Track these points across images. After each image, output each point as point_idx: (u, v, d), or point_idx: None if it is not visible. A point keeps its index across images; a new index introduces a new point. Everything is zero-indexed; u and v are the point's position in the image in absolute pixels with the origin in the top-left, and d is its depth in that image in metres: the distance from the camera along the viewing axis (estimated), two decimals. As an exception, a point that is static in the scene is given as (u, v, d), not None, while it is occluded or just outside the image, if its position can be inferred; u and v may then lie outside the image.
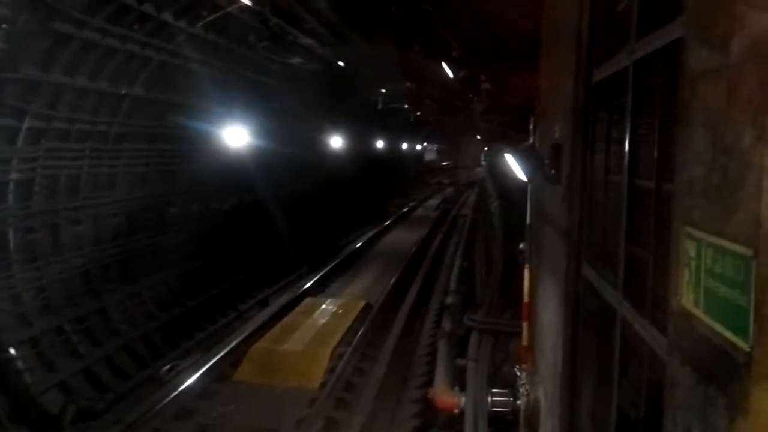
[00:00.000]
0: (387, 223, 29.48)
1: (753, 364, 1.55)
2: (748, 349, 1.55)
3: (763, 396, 1.55)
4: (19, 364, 8.65)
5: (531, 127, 7.30)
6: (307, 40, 12.88)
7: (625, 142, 3.12)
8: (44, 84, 8.62)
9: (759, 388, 1.56)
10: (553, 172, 4.96)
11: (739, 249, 1.60)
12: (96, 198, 10.60)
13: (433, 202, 41.87)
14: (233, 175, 14.96)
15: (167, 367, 10.57)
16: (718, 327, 1.73)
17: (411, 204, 38.52)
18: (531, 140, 7.13)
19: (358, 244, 23.18)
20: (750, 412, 1.56)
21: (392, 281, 16.68)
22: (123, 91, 10.14)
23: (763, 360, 1.54)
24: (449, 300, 13.27)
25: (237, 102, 13.43)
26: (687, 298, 1.95)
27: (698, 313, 1.87)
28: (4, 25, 7.28)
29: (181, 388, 9.66)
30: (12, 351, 8.62)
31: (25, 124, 8.66)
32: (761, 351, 1.54)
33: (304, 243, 18.28)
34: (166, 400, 9.22)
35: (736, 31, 1.65)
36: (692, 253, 1.91)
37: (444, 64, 13.19)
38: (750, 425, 1.56)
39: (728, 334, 1.66)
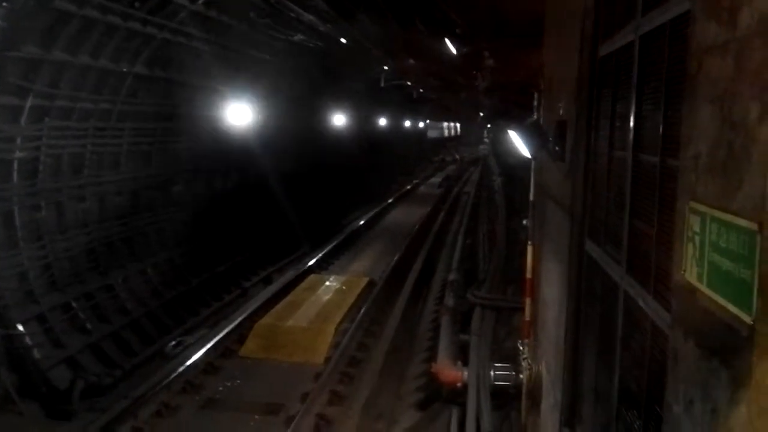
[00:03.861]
0: (390, 200, 29.50)
1: (756, 337, 1.57)
2: (752, 323, 1.57)
3: (766, 369, 1.57)
4: (28, 341, 8.76)
5: (535, 103, 7.26)
6: (309, 17, 12.75)
7: (630, 117, 3.12)
8: (46, 62, 8.58)
9: (762, 361, 1.57)
10: (557, 148, 4.95)
11: (745, 223, 1.61)
12: (100, 176, 10.62)
13: (436, 179, 41.83)
14: (236, 153, 14.94)
15: (173, 342, 10.69)
16: (722, 301, 1.74)
17: (414, 181, 38.49)
18: (535, 117, 7.10)
19: (361, 222, 23.23)
20: (752, 384, 1.58)
21: (395, 258, 16.75)
22: (125, 69, 10.10)
23: (767, 333, 1.56)
24: (452, 276, 13.34)
25: (240, 80, 13.36)
26: (691, 272, 1.97)
27: (702, 287, 1.88)
28: (4, 3, 7.23)
29: (188, 363, 9.78)
30: (20, 327, 8.72)
31: (28, 103, 8.65)
32: (764, 324, 1.56)
33: (308, 221, 18.32)
34: (173, 375, 9.34)
35: (744, 5, 1.64)
36: (697, 228, 1.92)
37: (447, 41, 13.08)
38: (752, 398, 1.59)
39: (732, 308, 1.68)
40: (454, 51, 13.77)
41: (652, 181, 2.73)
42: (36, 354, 8.79)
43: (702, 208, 1.88)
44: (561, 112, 5.05)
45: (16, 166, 8.87)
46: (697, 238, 1.92)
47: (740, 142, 1.66)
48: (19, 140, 8.80)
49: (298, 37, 14.15)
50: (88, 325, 9.95)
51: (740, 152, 1.66)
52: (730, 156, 1.71)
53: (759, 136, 1.56)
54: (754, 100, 1.59)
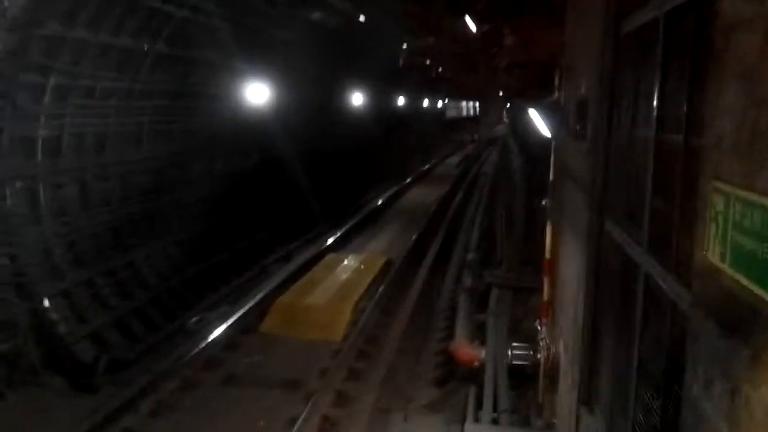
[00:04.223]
0: (408, 180, 29.45)
1: (778, 317, 1.57)
2: (774, 303, 1.57)
3: (787, 348, 1.57)
4: (53, 316, 8.96)
5: (556, 82, 7.17)
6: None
7: (653, 96, 3.07)
8: (68, 40, 8.64)
9: (783, 341, 1.57)
10: (578, 127, 4.90)
11: (769, 203, 1.60)
12: (123, 155, 10.74)
13: (454, 159, 41.66)
14: (255, 132, 14.99)
15: (195, 318, 10.85)
16: (744, 280, 1.74)
17: (432, 161, 38.36)
18: (556, 96, 7.01)
19: (380, 202, 23.25)
20: (773, 364, 1.58)
21: (413, 238, 16.77)
22: (146, 48, 10.13)
23: (789, 313, 1.56)
24: (470, 256, 13.36)
25: (258, 58, 13.36)
26: (713, 252, 1.96)
27: (724, 267, 1.87)
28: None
29: (209, 339, 9.94)
30: (46, 303, 8.92)
31: (52, 82, 8.73)
32: (787, 304, 1.55)
33: (326, 200, 18.39)
34: (195, 350, 9.51)
35: (773, -21, 1.61)
36: (720, 207, 1.91)
37: (467, 18, 12.91)
38: (773, 377, 1.59)
39: (754, 288, 1.67)
40: (473, 28, 13.60)
41: (674, 160, 2.70)
42: (61, 329, 8.99)
43: (726, 187, 1.87)
44: (582, 90, 4.99)
45: (40, 144, 9.00)
46: (720, 218, 1.90)
47: (765, 120, 1.63)
48: (42, 118, 8.91)
49: (317, 14, 14.07)
50: (112, 301, 10.15)
51: (765, 131, 1.64)
52: (756, 135, 1.69)
53: (786, 114, 1.54)
54: (782, 77, 1.56)
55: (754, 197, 1.68)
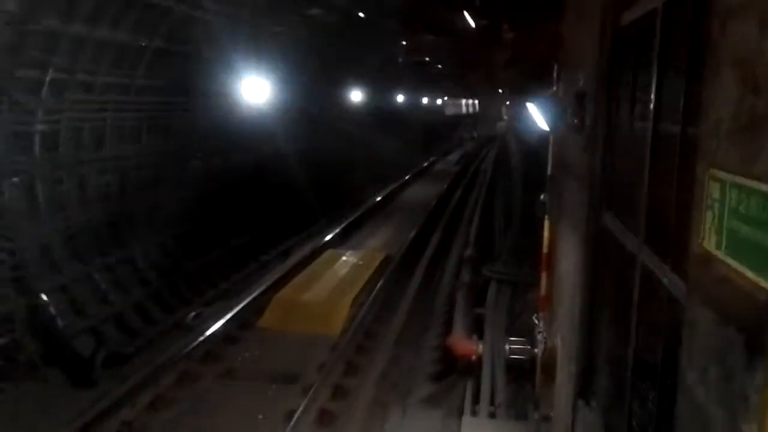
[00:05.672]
0: (407, 177, 29.44)
1: (773, 303, 1.57)
2: (769, 289, 1.57)
3: (783, 336, 1.57)
4: (51, 310, 8.95)
5: (554, 75, 7.16)
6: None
7: (651, 86, 3.07)
8: (65, 35, 8.60)
9: (779, 328, 1.57)
10: (575, 120, 4.88)
11: (765, 188, 1.60)
12: (121, 150, 10.71)
13: (453, 156, 41.68)
14: (254, 128, 14.93)
15: (193, 313, 10.85)
16: (740, 268, 1.74)
17: (431, 159, 38.35)
18: (554, 89, 7.00)
19: (378, 198, 23.24)
20: (768, 351, 1.58)
21: (412, 234, 16.77)
22: (143, 43, 10.10)
23: (784, 300, 1.56)
24: (468, 252, 13.36)
25: (257, 55, 13.30)
26: (709, 240, 1.96)
27: (720, 254, 1.87)
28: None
29: (207, 333, 9.94)
30: (44, 297, 8.91)
31: (49, 76, 8.70)
32: (783, 290, 1.55)
33: (325, 197, 18.38)
34: (193, 344, 9.51)
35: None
36: (716, 195, 1.91)
37: (466, 14, 12.91)
38: None
39: (750, 275, 1.67)
40: (472, 24, 13.59)
41: (672, 150, 2.70)
42: (59, 323, 8.99)
43: (722, 174, 1.86)
44: (580, 83, 4.98)
45: (37, 139, 8.98)
46: (716, 206, 1.90)
47: (762, 106, 1.63)
48: (40, 113, 8.89)
49: (315, 10, 14.03)
50: (110, 296, 10.14)
51: (763, 116, 1.63)
52: (753, 120, 1.69)
53: (781, 99, 1.54)
54: (778, 62, 1.56)
55: (749, 184, 1.68)
